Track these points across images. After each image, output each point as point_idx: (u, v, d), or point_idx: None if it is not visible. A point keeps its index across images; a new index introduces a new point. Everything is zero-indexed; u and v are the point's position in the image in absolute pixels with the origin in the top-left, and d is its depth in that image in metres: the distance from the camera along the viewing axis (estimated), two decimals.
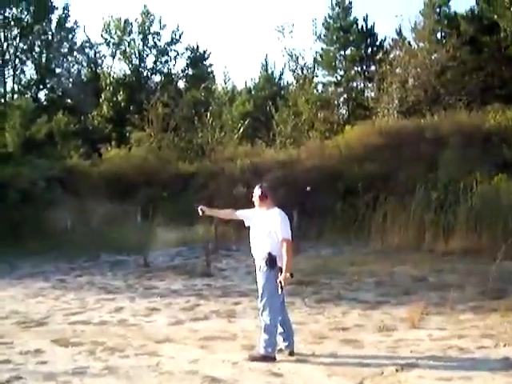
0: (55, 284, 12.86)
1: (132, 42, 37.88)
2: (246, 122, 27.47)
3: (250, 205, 7.31)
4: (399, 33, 28.12)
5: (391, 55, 26.14)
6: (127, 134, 28.64)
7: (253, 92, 38.46)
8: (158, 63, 38.20)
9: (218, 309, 9.70)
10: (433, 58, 24.12)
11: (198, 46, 39.24)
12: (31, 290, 12.19)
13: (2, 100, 36.52)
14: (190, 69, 39.07)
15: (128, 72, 37.92)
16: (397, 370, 6.38)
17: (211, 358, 7.06)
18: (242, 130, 26.88)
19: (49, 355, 7.40)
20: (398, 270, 12.56)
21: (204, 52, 39.39)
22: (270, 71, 39.20)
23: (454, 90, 22.91)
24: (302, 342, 7.50)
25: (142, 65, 38.08)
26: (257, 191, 7.15)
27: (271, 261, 6.81)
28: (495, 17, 24.94)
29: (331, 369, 6.54)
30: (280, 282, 6.74)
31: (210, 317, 9.22)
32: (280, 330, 7.02)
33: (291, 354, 7.01)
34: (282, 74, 38.77)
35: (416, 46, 26.11)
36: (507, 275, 10.75)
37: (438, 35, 26.64)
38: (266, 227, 6.93)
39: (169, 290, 11.69)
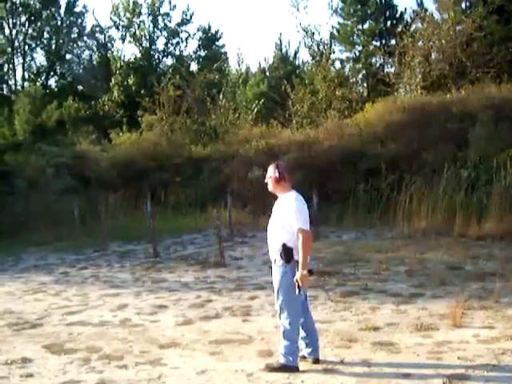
0: (58, 278, 11.96)
1: (142, 24, 36.83)
2: (260, 103, 26.43)
3: (267, 189, 6.16)
4: (420, 4, 26.93)
5: (412, 28, 24.81)
6: (138, 119, 27.64)
7: (267, 72, 37.35)
8: (169, 45, 37.18)
9: (231, 305, 8.65)
10: (458, 29, 22.66)
11: (209, 27, 38.20)
12: (31, 285, 11.30)
13: (13, 87, 35.97)
14: (202, 50, 37.97)
15: (138, 55, 36.88)
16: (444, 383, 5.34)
17: (222, 367, 6.04)
18: (256, 110, 25.83)
19: (37, 365, 6.46)
20: (430, 256, 11.41)
21: (216, 32, 38.29)
22: (284, 50, 38.07)
23: (481, 63, 21.50)
24: (328, 345, 6.48)
25: (153, 47, 37.08)
26: (272, 171, 5.98)
27: (287, 253, 5.70)
28: None
29: (365, 381, 5.50)
30: (297, 280, 5.68)
31: (223, 315, 8.17)
32: (302, 333, 5.97)
33: (316, 361, 5.97)
34: (296, 52, 37.68)
35: (439, 17, 24.75)
36: None
37: (463, 5, 25.22)
38: (281, 215, 5.83)
39: (178, 283, 10.66)
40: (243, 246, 14.41)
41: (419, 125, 17.85)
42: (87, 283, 11.23)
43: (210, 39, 37.90)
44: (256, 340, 6.91)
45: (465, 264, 10.58)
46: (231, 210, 16.19)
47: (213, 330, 7.40)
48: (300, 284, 5.62)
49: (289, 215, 5.72)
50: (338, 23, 29.39)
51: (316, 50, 26.92)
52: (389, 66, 26.99)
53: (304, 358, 6.00)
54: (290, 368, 5.76)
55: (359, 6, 28.62)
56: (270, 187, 6.02)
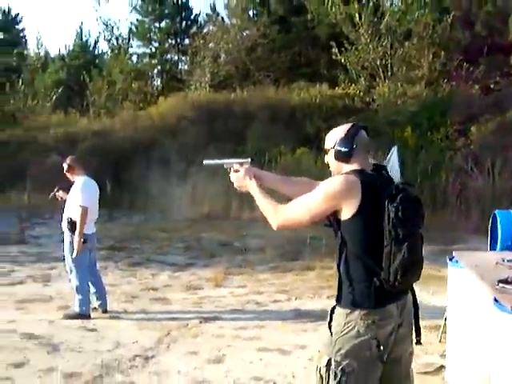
0: None
1: None
2: (59, 90, 27.14)
3: (64, 175, 7.67)
4: (213, 8, 29.09)
5: (205, 30, 27.17)
6: None
7: (67, 60, 37.67)
8: None
9: (33, 274, 9.98)
10: (244, 34, 25.25)
11: (9, 9, 37.66)
12: None
13: None
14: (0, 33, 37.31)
15: None
16: (200, 322, 7.25)
17: (28, 317, 7.48)
18: (55, 98, 26.56)
19: None
20: (206, 236, 13.50)
21: (16, 15, 37.84)
22: (84, 39, 38.56)
23: (263, 67, 24.23)
24: (114, 301, 8.12)
25: None
26: (64, 166, 7.55)
27: (71, 225, 7.28)
28: None
29: (141, 323, 7.26)
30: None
31: (26, 281, 9.51)
32: (93, 289, 7.58)
33: (105, 311, 7.63)
34: (96, 42, 38.33)
35: (229, 23, 27.18)
36: (303, 239, 11.99)
37: (250, 13, 27.77)
38: (72, 195, 7.44)
39: None
40: (41, 226, 15.50)
41: (206, 120, 19.95)
42: None
43: (9, 22, 37.35)
44: (55, 299, 8.37)
45: (234, 241, 12.75)
46: (30, 192, 17.05)
47: (18, 293, 8.71)
48: (76, 248, 7.19)
49: (76, 194, 7.34)
50: (137, 20, 30.69)
51: (115, 43, 28.33)
52: (182, 64, 29.09)
53: (95, 308, 7.62)
54: (83, 316, 7.36)
55: (157, 5, 30.06)
56: (69, 177, 7.61)
